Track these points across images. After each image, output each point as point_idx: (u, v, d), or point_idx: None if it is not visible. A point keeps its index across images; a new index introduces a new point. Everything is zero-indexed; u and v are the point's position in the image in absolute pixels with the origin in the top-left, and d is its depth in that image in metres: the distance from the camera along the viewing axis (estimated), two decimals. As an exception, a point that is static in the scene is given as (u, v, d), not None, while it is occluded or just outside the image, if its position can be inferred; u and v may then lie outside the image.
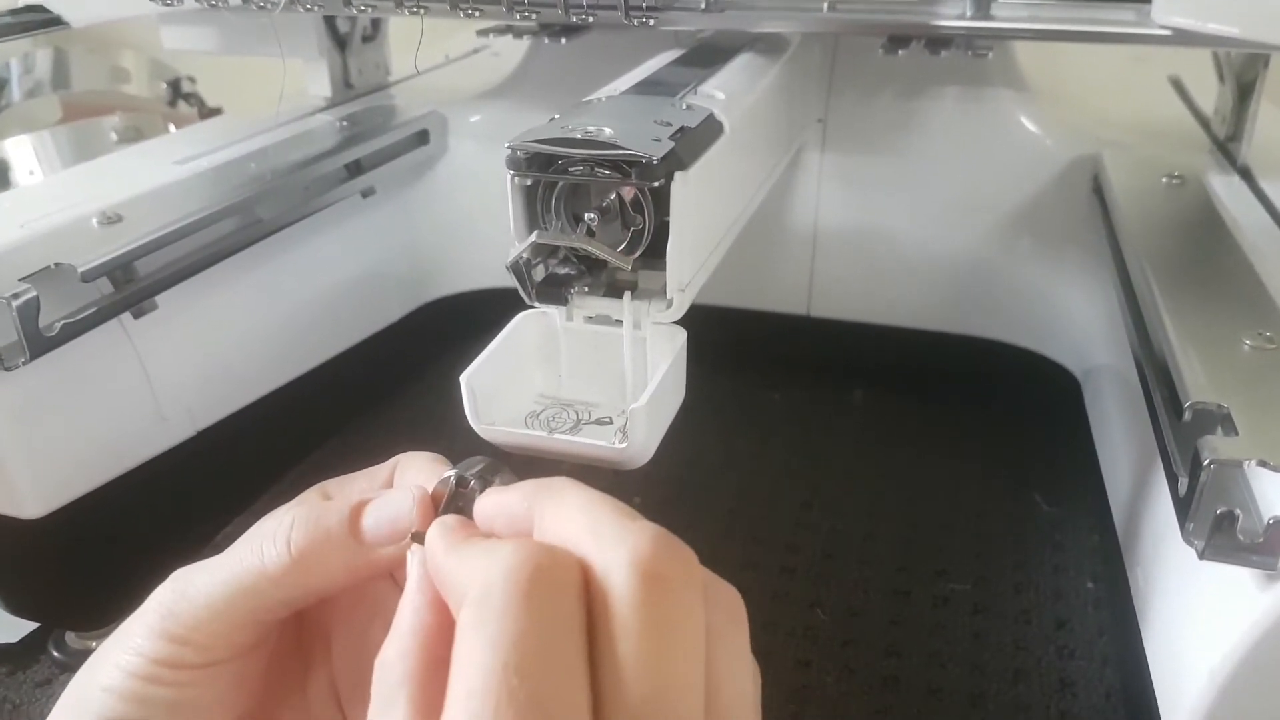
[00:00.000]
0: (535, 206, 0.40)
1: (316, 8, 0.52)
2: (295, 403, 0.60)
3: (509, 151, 0.38)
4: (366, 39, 0.72)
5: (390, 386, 0.72)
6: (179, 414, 0.51)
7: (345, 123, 0.65)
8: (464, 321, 0.75)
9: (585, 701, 0.19)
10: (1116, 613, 0.50)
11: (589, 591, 0.20)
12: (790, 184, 0.67)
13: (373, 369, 0.69)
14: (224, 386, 0.55)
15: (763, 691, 0.23)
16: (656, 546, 0.20)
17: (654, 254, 0.40)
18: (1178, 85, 0.75)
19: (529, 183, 0.39)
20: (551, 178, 0.39)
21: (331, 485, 0.28)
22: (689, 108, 0.43)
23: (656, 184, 0.37)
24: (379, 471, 0.28)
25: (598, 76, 0.49)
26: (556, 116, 0.41)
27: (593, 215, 0.39)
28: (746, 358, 0.72)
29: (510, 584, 0.19)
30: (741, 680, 0.21)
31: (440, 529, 0.23)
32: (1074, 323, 0.63)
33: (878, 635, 0.52)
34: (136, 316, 0.48)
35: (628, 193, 0.39)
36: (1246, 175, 0.55)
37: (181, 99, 1.20)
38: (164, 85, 1.20)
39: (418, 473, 0.27)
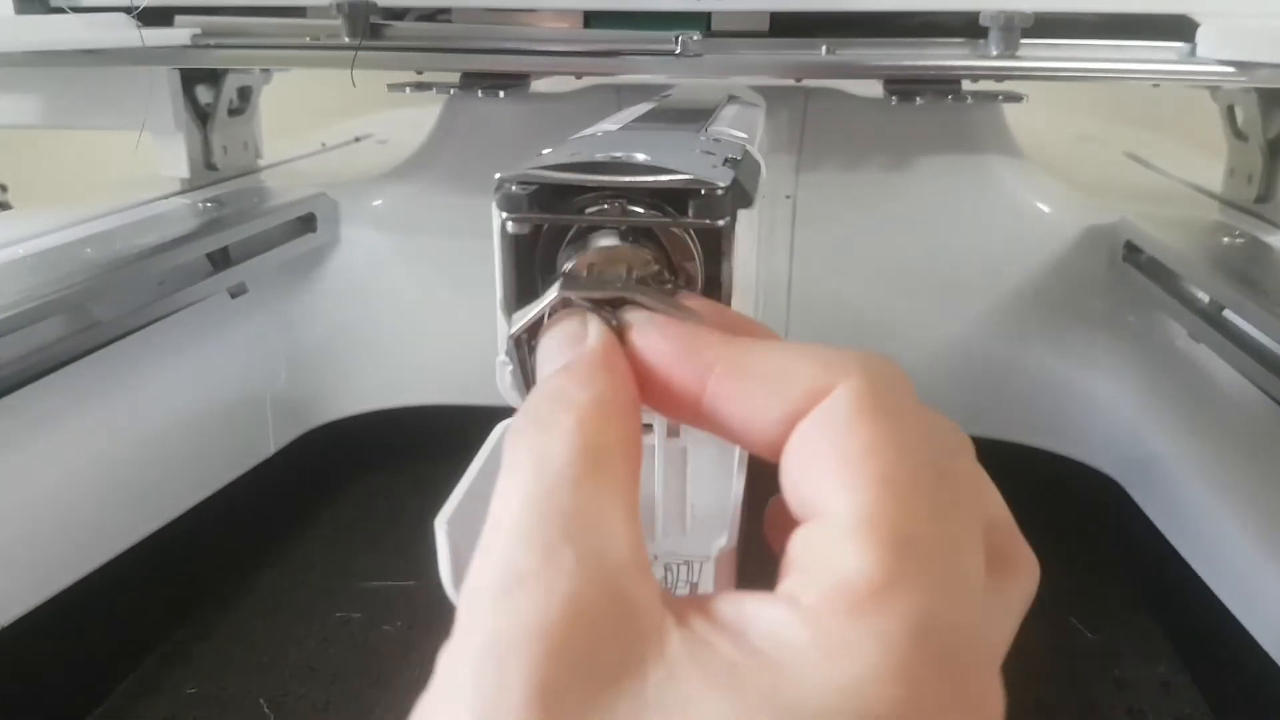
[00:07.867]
0: (528, 264, 0.28)
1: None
2: (140, 573, 0.45)
3: (501, 186, 0.26)
4: (234, 112, 0.59)
5: (266, 541, 0.57)
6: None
7: (209, 204, 0.52)
8: (358, 453, 0.61)
9: None
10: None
11: None
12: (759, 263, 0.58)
13: (243, 518, 0.54)
14: (48, 552, 0.39)
15: None
16: None
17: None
18: (1135, 158, 0.71)
19: (525, 230, 0.27)
20: (564, 220, 0.27)
21: None
22: (718, 140, 0.33)
23: (722, 222, 0.26)
24: None
25: (530, 147, 0.35)
26: (548, 151, 0.29)
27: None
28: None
29: None
30: None
31: None
32: (1102, 414, 0.55)
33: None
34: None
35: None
36: (1290, 235, 0.49)
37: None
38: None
39: None
